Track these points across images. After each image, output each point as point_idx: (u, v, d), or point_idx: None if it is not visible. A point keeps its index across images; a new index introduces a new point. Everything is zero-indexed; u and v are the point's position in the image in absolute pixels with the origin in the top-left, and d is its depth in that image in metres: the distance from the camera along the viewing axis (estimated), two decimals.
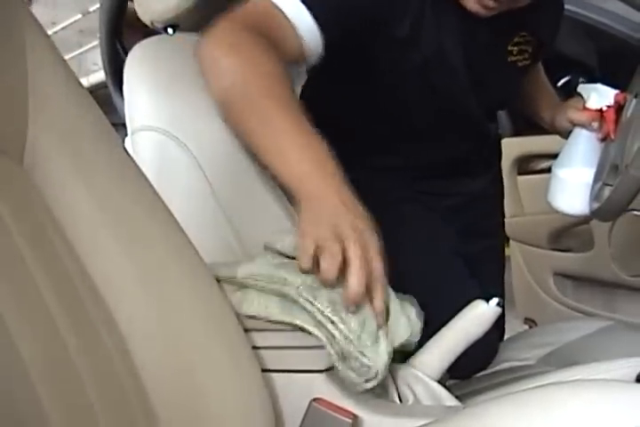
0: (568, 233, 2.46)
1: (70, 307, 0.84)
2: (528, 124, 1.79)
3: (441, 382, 1.14)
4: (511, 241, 2.63)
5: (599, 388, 0.98)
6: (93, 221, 0.89)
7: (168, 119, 1.27)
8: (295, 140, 1.06)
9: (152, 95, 1.29)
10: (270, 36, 1.16)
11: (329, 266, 0.95)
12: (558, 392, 0.97)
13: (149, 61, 1.33)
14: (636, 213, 2.03)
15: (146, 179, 0.96)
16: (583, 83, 2.28)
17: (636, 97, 1.36)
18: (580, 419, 0.89)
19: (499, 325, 1.64)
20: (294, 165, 1.04)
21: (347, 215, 1.01)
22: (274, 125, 1.07)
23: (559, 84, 2.32)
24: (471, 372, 1.52)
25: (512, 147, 2.25)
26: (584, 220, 2.24)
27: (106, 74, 2.14)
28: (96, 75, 5.11)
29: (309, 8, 1.21)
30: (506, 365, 1.55)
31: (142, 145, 1.28)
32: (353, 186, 1.06)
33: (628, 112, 1.38)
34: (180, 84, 1.31)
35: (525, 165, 2.49)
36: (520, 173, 2.53)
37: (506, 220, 2.58)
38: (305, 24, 1.21)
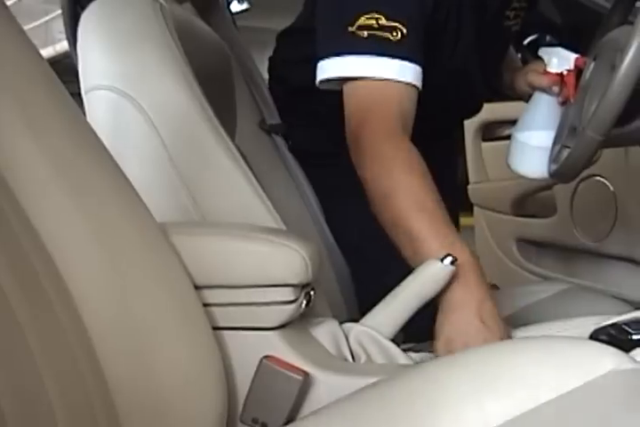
0: (531, 199, 2.46)
1: (16, 266, 0.83)
2: (492, 91, 1.78)
3: (395, 341, 1.14)
4: (475, 208, 2.64)
5: (548, 344, 0.98)
6: (45, 182, 0.88)
7: (123, 78, 1.25)
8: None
9: (106, 54, 1.27)
10: (403, 114, 1.24)
11: None
12: (507, 349, 0.97)
13: (104, 20, 1.30)
14: (598, 178, 2.04)
15: (97, 137, 0.95)
16: (550, 41, 2.28)
17: (594, 60, 1.35)
18: (528, 375, 0.90)
19: None
20: None
21: (478, 335, 1.11)
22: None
23: (525, 42, 2.31)
24: (427, 335, 1.52)
25: None
26: (547, 186, 2.25)
27: (67, 38, 2.11)
28: (63, 43, 5.04)
29: (404, 57, 1.24)
30: None
31: (96, 104, 1.27)
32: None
33: (587, 75, 1.38)
34: (137, 44, 1.28)
35: (489, 131, 2.49)
36: (484, 140, 2.54)
37: (470, 186, 2.59)
38: (411, 72, 1.25)
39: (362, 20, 1.23)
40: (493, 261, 2.53)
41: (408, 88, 1.26)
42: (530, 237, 2.44)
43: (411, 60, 1.25)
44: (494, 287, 2.63)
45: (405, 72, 1.25)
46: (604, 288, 2.06)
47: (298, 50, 1.52)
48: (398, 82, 1.24)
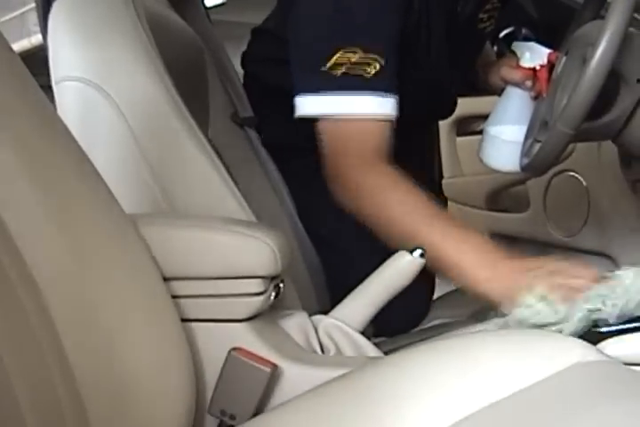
0: (505, 194, 2.47)
1: None
2: (467, 85, 1.78)
3: (365, 334, 1.15)
4: (449, 202, 2.64)
5: (517, 336, 0.99)
6: (8, 170, 0.87)
7: (93, 70, 1.25)
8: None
9: (77, 45, 1.26)
10: (380, 145, 1.27)
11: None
12: (479, 340, 0.98)
13: (75, 11, 1.30)
14: (570, 173, 2.05)
15: (64, 126, 0.95)
16: (526, 34, 2.28)
17: (566, 55, 1.36)
18: (496, 367, 0.90)
19: (429, 282, 1.65)
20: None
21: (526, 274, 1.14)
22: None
23: (501, 35, 2.31)
24: (401, 329, 1.52)
25: None
26: (520, 180, 2.26)
27: (41, 30, 2.10)
28: (38, 36, 5.01)
29: (380, 91, 1.26)
30: (436, 322, 1.56)
31: (66, 95, 1.26)
32: None
33: (558, 69, 1.38)
34: (107, 35, 1.28)
35: (464, 126, 2.49)
36: (458, 135, 2.54)
37: (444, 181, 2.59)
38: (387, 105, 1.27)
39: (336, 58, 1.24)
40: None
41: (384, 121, 1.28)
42: (503, 232, 2.44)
43: (386, 92, 1.27)
44: None
45: (381, 106, 1.27)
46: None
47: (270, 51, 1.52)
48: (374, 117, 1.27)
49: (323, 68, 1.25)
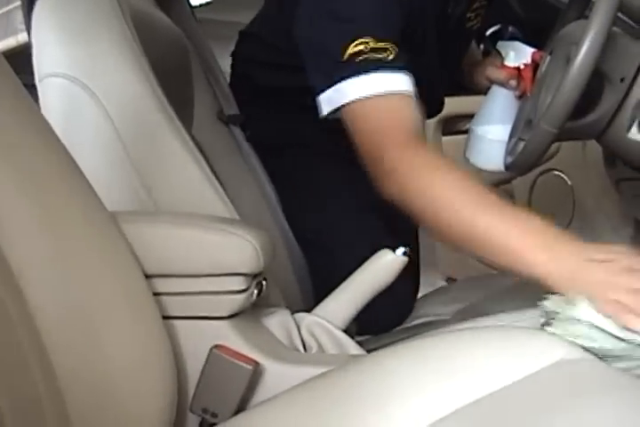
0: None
1: None
2: (454, 84, 1.79)
3: (348, 332, 1.15)
4: None
5: (501, 334, 0.99)
6: None
7: (77, 66, 1.24)
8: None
9: (60, 41, 1.26)
10: (415, 122, 1.22)
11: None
12: (460, 339, 0.98)
13: (59, 7, 1.29)
14: (556, 172, 2.05)
15: (46, 122, 0.95)
16: (512, 32, 2.28)
17: (550, 54, 1.36)
18: (480, 364, 0.90)
19: (413, 280, 1.65)
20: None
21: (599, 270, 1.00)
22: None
23: (488, 33, 2.31)
24: (385, 328, 1.52)
25: None
26: (506, 179, 2.26)
27: (26, 27, 2.09)
28: (24, 34, 4.99)
29: (400, 69, 1.23)
30: (420, 320, 1.56)
31: (49, 92, 1.26)
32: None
33: (543, 68, 1.38)
34: (91, 32, 1.28)
35: (450, 125, 2.49)
36: (445, 134, 2.54)
37: None
38: (408, 82, 1.24)
39: (351, 48, 1.22)
40: (451, 253, 2.53)
41: (410, 97, 1.25)
42: None
43: (406, 73, 1.25)
44: (452, 280, 2.64)
45: (404, 83, 1.24)
46: None
47: (256, 54, 1.53)
48: (400, 93, 1.24)
49: (340, 61, 1.23)
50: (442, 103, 1.67)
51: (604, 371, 0.90)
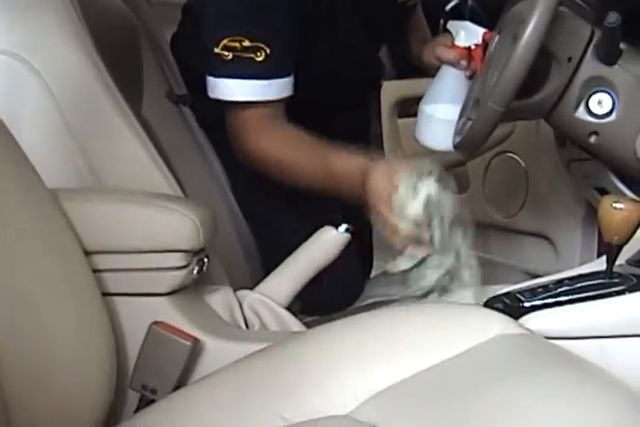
0: None
1: None
2: (410, 67, 1.78)
3: (292, 309, 1.14)
4: None
5: (440, 310, 0.99)
6: None
7: (19, 43, 1.23)
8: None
9: (3, 18, 1.24)
10: (272, 120, 1.35)
11: None
12: (400, 314, 0.98)
13: None
14: (509, 154, 2.06)
15: None
16: (472, 7, 2.28)
17: (499, 33, 1.36)
18: (418, 339, 0.91)
19: (365, 261, 1.65)
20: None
21: None
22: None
23: (447, 8, 2.30)
24: (334, 308, 1.52)
25: (392, 90, 2.24)
26: (461, 162, 2.26)
27: None
28: None
29: (269, 77, 1.32)
30: (371, 300, 1.56)
31: None
32: None
33: (491, 47, 1.38)
34: (34, 9, 1.26)
35: (406, 107, 2.48)
36: (400, 116, 2.53)
37: None
38: (276, 88, 1.33)
39: (226, 42, 1.29)
40: None
41: (275, 102, 1.34)
42: None
43: (277, 77, 1.32)
44: None
45: (271, 90, 1.32)
46: (515, 263, 2.08)
47: (189, 31, 1.53)
48: (262, 102, 1.32)
49: (214, 51, 1.30)
50: (378, 74, 1.70)
51: (541, 346, 0.90)
